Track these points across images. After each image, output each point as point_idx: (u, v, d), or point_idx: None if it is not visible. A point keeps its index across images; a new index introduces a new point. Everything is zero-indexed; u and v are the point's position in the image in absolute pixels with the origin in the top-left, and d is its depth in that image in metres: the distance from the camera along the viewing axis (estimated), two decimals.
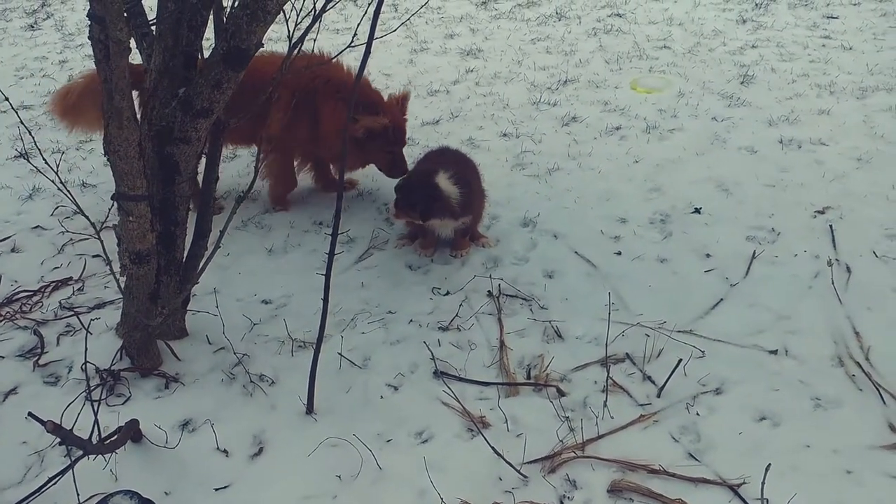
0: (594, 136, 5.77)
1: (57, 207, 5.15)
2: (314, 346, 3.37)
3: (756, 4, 8.22)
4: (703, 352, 3.68)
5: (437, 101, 6.48)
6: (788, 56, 6.93)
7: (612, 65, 6.91)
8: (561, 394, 3.49)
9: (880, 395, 3.38)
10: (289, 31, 3.16)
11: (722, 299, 4.07)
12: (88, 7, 2.95)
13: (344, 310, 4.12)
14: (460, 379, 3.60)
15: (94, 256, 4.58)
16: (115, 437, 3.09)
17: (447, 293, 4.26)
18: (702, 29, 7.67)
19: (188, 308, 4.00)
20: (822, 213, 4.72)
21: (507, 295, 4.18)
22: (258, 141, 4.69)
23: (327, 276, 3.15)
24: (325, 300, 3.21)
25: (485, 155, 5.61)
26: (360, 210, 5.07)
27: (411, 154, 5.03)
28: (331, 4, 3.21)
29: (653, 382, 3.54)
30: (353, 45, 3.45)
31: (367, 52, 2.76)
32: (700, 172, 5.21)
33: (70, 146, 6.07)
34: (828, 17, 7.77)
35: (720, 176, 5.16)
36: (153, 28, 3.61)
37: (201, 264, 3.63)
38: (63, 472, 2.93)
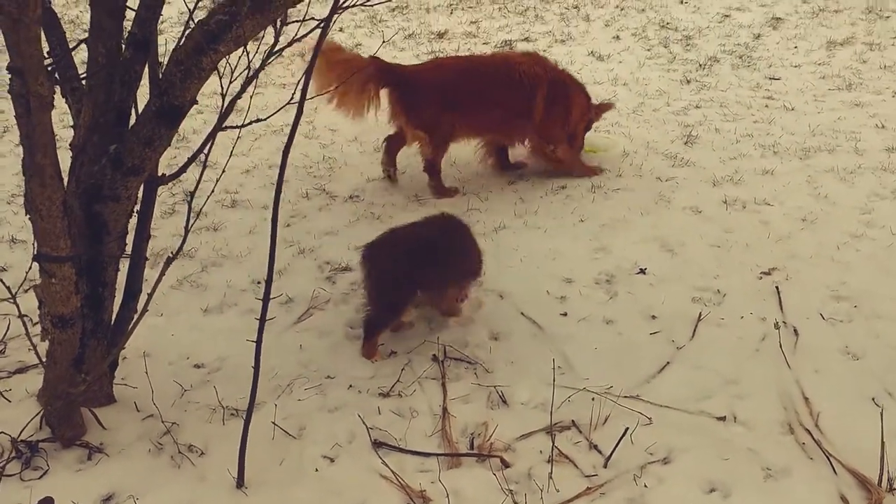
0: (540, 195, 5.73)
1: None
2: (244, 416, 3.20)
3: (700, 65, 8.34)
4: (649, 419, 3.58)
5: None
6: (732, 116, 7.01)
7: None
8: (505, 464, 3.36)
9: (831, 464, 3.31)
10: (222, 88, 3.04)
11: (669, 362, 4.00)
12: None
13: (280, 375, 3.96)
14: (400, 450, 3.44)
15: (18, 316, 4.36)
16: None
17: (391, 353, 4.13)
18: (646, 89, 7.74)
19: (116, 373, 3.81)
20: (768, 274, 4.70)
21: (451, 358, 4.06)
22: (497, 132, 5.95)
23: (258, 343, 3.00)
24: (256, 368, 3.06)
25: (431, 212, 5.51)
26: (300, 268, 4.92)
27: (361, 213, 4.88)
28: (269, 61, 3.13)
29: (599, 452, 3.43)
30: (291, 101, 3.35)
31: (300, 112, 2.63)
32: (645, 232, 5.18)
33: (0, 200, 5.85)
34: (770, 79, 7.90)
35: (665, 236, 5.13)
36: (83, 82, 3.48)
37: (129, 328, 3.45)
38: None
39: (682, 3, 9.70)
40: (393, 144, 5.98)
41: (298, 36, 3.74)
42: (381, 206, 5.64)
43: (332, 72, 5.35)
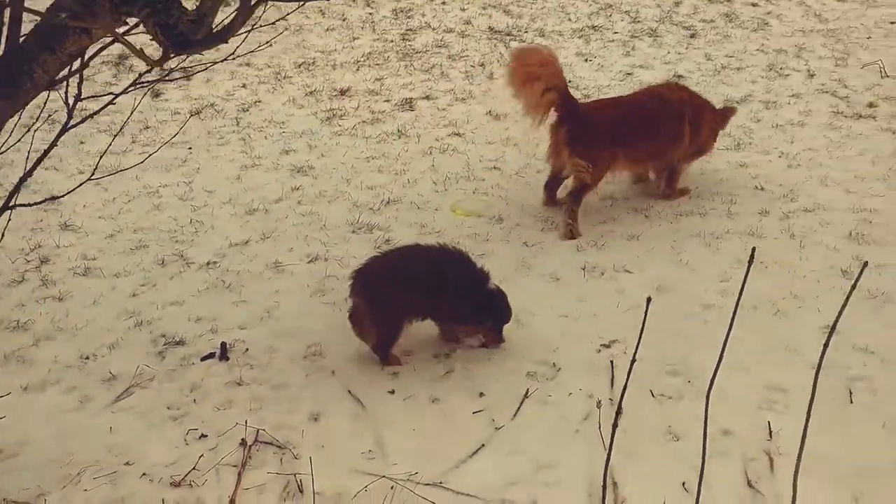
0: None
1: None
2: None
3: None
4: None
5: (252, 221, 6.24)
6: (611, 178, 6.93)
7: (438, 186, 6.80)
8: None
9: None
10: None
11: (483, 445, 3.87)
12: None
13: (76, 461, 3.79)
14: None
15: None
16: None
17: (201, 436, 3.97)
18: (536, 150, 7.66)
19: None
20: (607, 346, 4.60)
21: (261, 442, 3.91)
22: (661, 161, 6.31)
23: None
24: None
25: (287, 280, 5.41)
26: (133, 342, 4.76)
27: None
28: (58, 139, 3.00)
29: None
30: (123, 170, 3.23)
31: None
32: None
33: None
34: None
35: (518, 304, 4.97)
36: None
37: None
38: None
39: (586, 61, 9.71)
40: (550, 191, 6.45)
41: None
42: (235, 274, 5.49)
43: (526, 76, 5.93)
